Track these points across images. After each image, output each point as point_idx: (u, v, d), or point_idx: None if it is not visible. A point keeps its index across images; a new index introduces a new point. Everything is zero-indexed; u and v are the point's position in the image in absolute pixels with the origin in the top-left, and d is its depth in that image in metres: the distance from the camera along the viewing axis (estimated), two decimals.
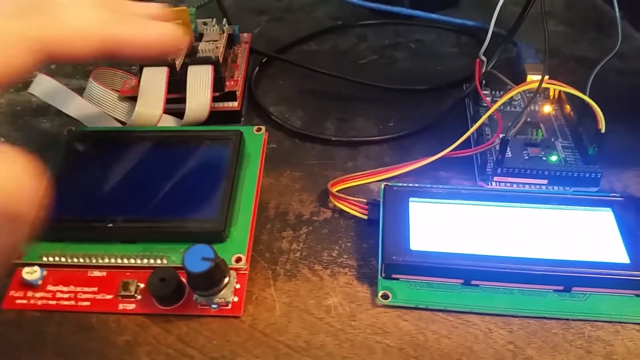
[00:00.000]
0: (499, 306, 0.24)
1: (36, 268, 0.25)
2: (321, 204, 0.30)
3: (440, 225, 0.26)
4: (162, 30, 0.23)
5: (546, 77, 0.29)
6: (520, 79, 0.37)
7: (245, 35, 0.41)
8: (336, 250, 0.27)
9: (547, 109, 0.34)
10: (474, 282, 0.25)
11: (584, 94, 0.29)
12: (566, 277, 0.24)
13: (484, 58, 0.34)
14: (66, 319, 0.25)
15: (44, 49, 0.19)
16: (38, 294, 0.25)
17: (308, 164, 0.33)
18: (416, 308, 0.24)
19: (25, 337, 0.24)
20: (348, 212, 0.29)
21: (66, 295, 0.25)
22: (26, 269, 0.25)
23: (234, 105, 0.35)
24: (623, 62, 0.40)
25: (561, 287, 0.24)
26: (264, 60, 0.41)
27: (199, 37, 0.37)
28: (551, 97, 0.35)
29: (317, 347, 0.23)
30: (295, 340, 0.23)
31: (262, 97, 0.38)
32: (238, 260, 0.25)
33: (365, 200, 0.28)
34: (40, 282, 0.25)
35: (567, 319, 0.23)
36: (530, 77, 0.36)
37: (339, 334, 0.24)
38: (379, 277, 0.25)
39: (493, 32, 0.34)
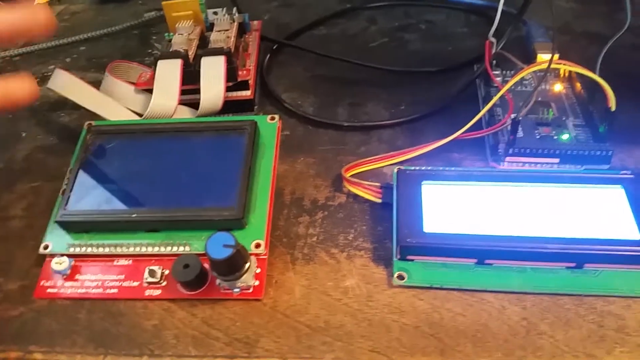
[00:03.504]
0: (512, 284, 0.25)
1: (64, 258, 0.26)
2: (335, 188, 0.31)
3: (453, 206, 0.27)
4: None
5: (556, 56, 0.29)
6: (530, 57, 0.37)
7: (255, 22, 0.41)
8: (352, 233, 0.28)
9: (558, 87, 0.34)
10: (487, 261, 0.25)
11: (595, 71, 0.29)
12: (578, 255, 0.24)
13: (493, 39, 0.34)
14: (96, 306, 0.26)
15: None
16: (67, 283, 0.26)
17: (321, 150, 0.33)
18: (431, 288, 0.25)
19: (58, 324, 0.25)
20: (362, 197, 0.29)
21: (94, 284, 0.26)
22: (55, 260, 0.26)
23: (247, 94, 0.35)
24: (636, 37, 0.39)
25: (573, 264, 0.25)
26: (274, 47, 0.41)
27: (210, 27, 0.38)
28: (562, 75, 0.35)
29: (336, 326, 0.24)
30: (315, 321, 0.24)
31: (274, 84, 0.38)
32: (257, 246, 0.26)
33: (379, 184, 0.29)
34: (69, 272, 0.27)
35: (580, 295, 0.24)
36: (540, 56, 0.36)
37: (356, 314, 0.25)
38: (394, 259, 0.26)
39: (503, 10, 0.34)
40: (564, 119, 0.32)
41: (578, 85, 0.34)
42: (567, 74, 0.35)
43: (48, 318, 0.25)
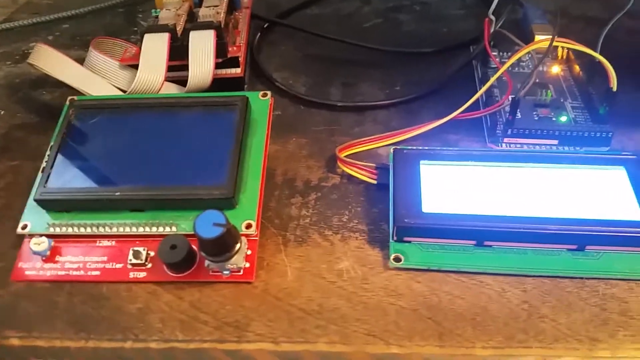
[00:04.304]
0: (512, 266, 0.24)
1: (44, 239, 0.25)
2: (329, 169, 0.30)
3: (452, 187, 0.26)
4: None
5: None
6: (527, 40, 0.36)
7: (245, 0, 0.40)
8: (346, 215, 0.27)
9: (556, 69, 0.33)
10: (486, 242, 0.24)
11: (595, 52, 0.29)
12: (580, 236, 0.23)
13: (492, 17, 0.33)
14: (77, 288, 0.24)
15: None
16: (47, 265, 0.25)
17: (314, 130, 0.32)
18: (428, 270, 0.24)
19: (36, 307, 0.24)
20: (357, 177, 0.28)
21: (75, 266, 0.25)
22: (34, 240, 0.25)
23: (237, 71, 0.34)
24: (633, 21, 0.39)
25: (575, 246, 0.24)
26: (265, 26, 0.40)
27: (199, 2, 0.36)
28: (560, 57, 0.34)
29: (331, 309, 0.23)
30: (309, 304, 0.23)
31: (264, 63, 0.37)
32: (248, 226, 0.25)
33: (374, 165, 0.28)
34: (48, 253, 0.25)
35: (582, 278, 0.23)
36: (538, 37, 0.35)
37: (351, 297, 0.24)
38: (391, 241, 0.25)
39: None
40: (562, 100, 0.31)
41: (576, 67, 0.33)
42: (565, 56, 0.34)
43: (26, 301, 0.24)
